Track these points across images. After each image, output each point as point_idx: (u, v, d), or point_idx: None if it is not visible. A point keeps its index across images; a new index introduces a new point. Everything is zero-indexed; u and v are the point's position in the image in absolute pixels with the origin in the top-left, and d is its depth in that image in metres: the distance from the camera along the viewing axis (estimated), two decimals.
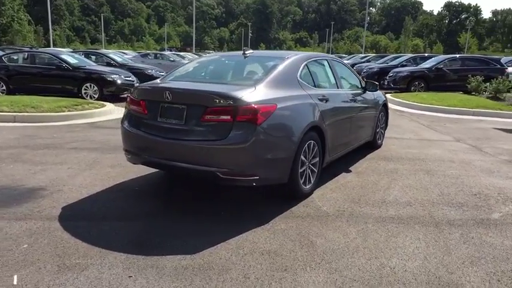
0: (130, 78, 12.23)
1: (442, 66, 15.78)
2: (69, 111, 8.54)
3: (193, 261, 2.80)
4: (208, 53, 37.86)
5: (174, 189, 4.41)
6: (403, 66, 18.03)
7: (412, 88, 15.67)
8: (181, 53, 31.58)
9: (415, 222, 3.54)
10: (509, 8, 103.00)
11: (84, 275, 2.60)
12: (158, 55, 24.66)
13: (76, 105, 8.94)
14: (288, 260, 2.84)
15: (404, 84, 15.74)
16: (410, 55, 23.23)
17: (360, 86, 5.55)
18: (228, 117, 3.32)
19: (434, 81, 15.66)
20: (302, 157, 3.78)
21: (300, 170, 3.80)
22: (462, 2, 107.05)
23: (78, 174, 4.65)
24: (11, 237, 3.07)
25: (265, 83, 3.71)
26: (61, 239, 3.08)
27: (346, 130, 4.82)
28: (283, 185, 3.71)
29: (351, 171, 5.07)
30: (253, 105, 3.34)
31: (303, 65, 4.26)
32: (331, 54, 68.85)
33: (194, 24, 63.58)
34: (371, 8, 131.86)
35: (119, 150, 4.70)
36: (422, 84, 15.69)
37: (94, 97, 11.29)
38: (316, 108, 4.00)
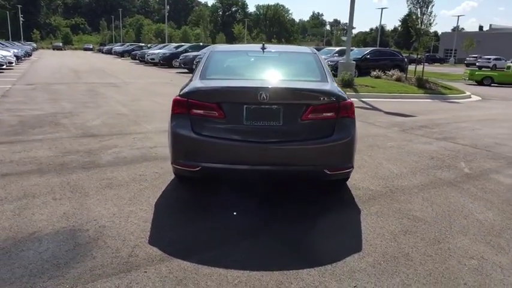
0: None
1: (368, 56, 18.68)
2: None
3: None
4: None
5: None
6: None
7: None
8: None
9: None
10: (268, 4, 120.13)
11: None
12: None
13: None
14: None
15: None
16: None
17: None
18: (332, 113, 3.49)
19: (364, 69, 18.45)
20: None
21: None
22: None
23: None
24: None
25: (330, 78, 3.96)
26: None
27: None
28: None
29: None
30: (349, 100, 3.60)
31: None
32: (120, 42, 66.43)
33: None
34: None
35: None
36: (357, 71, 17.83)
37: None
38: None
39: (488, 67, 40.79)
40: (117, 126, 7.31)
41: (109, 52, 53.61)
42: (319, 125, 3.48)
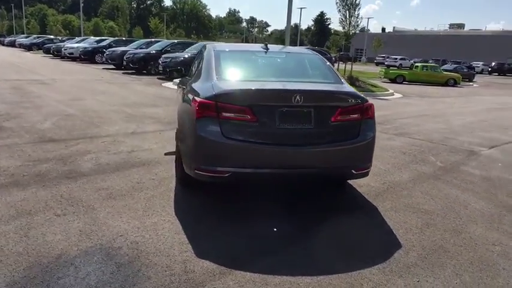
0: None
1: None
2: None
3: None
4: None
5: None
6: (167, 51, 18.79)
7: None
8: None
9: None
10: None
11: None
12: None
13: None
14: None
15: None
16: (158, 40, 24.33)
17: None
18: (358, 115, 3.59)
19: None
20: None
21: None
22: None
23: None
24: None
25: (343, 79, 4.06)
26: None
27: None
28: None
29: None
30: (370, 102, 3.73)
31: None
32: (24, 34, 59.85)
33: None
34: None
35: None
36: None
37: None
38: None
39: (395, 66, 44.73)
40: (75, 129, 6.68)
41: (12, 45, 48.30)
42: (347, 127, 3.57)
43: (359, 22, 18.81)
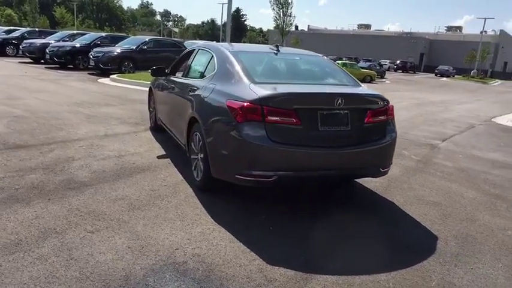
0: None
1: (145, 47, 16.86)
2: None
3: None
4: None
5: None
6: (97, 45, 17.55)
7: (123, 68, 16.00)
8: None
9: None
10: None
11: None
12: None
13: None
14: None
15: (116, 64, 15.81)
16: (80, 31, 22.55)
17: None
18: (384, 116, 3.80)
19: (141, 62, 16.63)
20: None
21: None
22: None
23: None
24: None
25: (359, 82, 4.24)
26: None
27: None
28: None
29: None
30: (391, 103, 3.96)
31: None
32: None
33: None
34: None
35: None
36: (131, 65, 16.30)
37: None
38: None
39: None
40: (38, 133, 6.00)
41: None
42: (377, 128, 3.76)
43: (292, 21, 19.42)
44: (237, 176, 3.42)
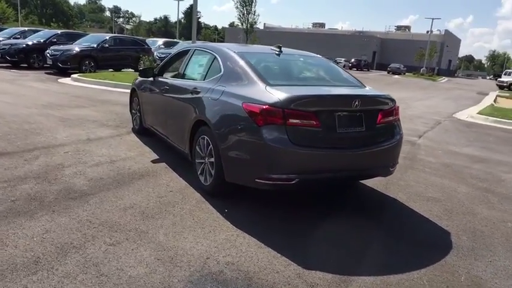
0: None
1: (107, 45, 16.18)
2: None
3: None
4: None
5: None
6: (52, 43, 16.61)
7: (84, 67, 15.30)
8: None
9: None
10: None
11: None
12: None
13: None
14: None
15: (76, 63, 15.08)
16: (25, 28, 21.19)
17: None
18: (393, 117, 3.90)
19: (102, 60, 15.98)
20: None
21: None
22: None
23: None
24: None
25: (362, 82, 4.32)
26: None
27: None
28: None
29: None
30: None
31: None
32: None
33: None
34: None
35: None
36: (93, 63, 15.62)
37: None
38: None
39: None
40: (14, 139, 5.58)
41: None
42: (387, 128, 3.85)
43: (256, 19, 19.45)
44: (257, 180, 3.36)
